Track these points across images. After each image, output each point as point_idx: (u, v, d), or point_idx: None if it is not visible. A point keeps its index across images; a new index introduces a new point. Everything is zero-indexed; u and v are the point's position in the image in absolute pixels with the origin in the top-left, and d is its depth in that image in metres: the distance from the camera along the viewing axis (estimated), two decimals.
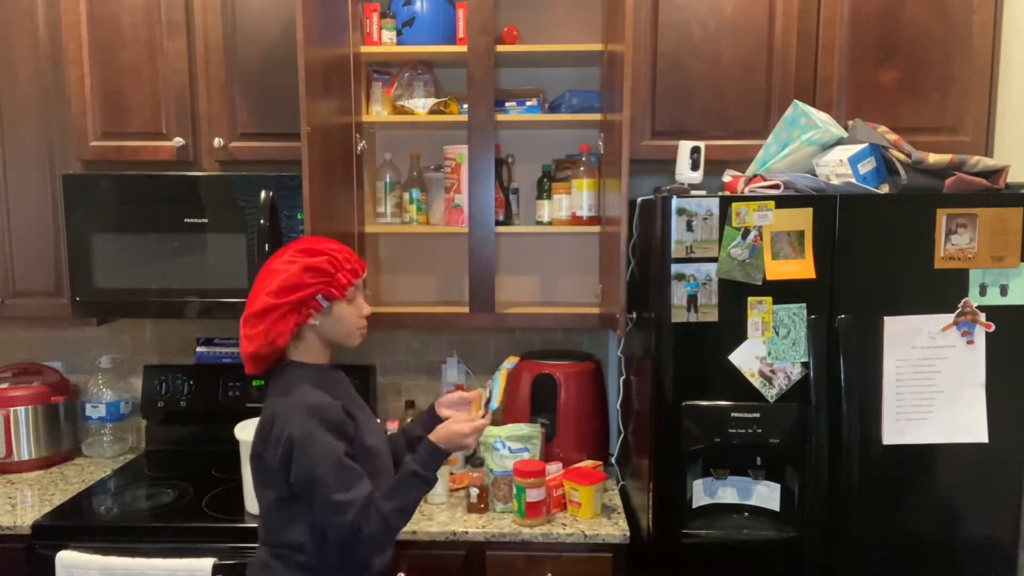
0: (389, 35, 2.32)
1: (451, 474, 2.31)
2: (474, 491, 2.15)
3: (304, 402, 1.52)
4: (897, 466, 1.86)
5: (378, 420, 2.17)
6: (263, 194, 2.22)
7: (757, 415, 1.85)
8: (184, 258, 2.27)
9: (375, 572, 1.63)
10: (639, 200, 2.10)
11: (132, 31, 2.27)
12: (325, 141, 2.05)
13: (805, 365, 1.83)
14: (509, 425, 2.30)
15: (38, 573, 2.03)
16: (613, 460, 2.49)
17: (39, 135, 2.33)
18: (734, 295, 1.83)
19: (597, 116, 2.32)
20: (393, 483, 1.54)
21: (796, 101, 1.98)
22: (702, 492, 1.94)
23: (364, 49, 2.32)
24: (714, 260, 1.82)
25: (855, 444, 1.83)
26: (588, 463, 2.25)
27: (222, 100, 2.28)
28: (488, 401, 1.83)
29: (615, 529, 2.06)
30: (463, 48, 2.25)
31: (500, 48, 2.27)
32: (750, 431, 1.85)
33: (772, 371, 1.84)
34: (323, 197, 2.04)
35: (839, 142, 1.93)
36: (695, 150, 2.01)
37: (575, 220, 2.39)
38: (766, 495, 1.92)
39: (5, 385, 2.54)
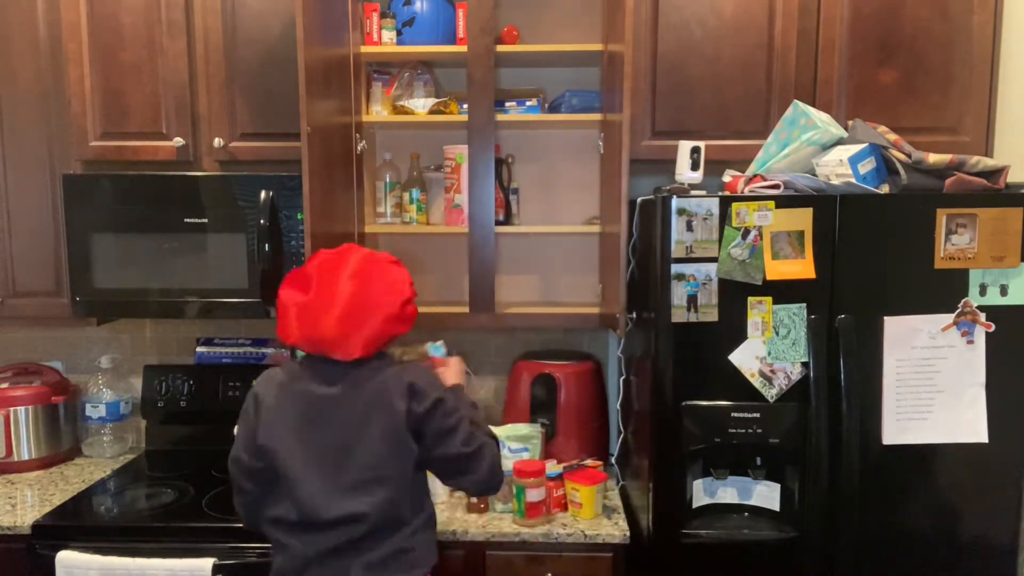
0: (389, 35, 2.32)
1: None
2: None
3: (422, 369, 1.74)
4: (897, 466, 1.86)
5: None
6: (263, 194, 2.22)
7: (757, 415, 1.85)
8: (184, 258, 2.27)
9: None
10: (639, 200, 2.10)
11: (132, 31, 2.27)
12: (325, 141, 2.05)
13: (805, 365, 1.83)
14: (509, 425, 2.30)
15: (38, 573, 2.03)
16: (613, 460, 2.49)
17: (39, 135, 2.33)
18: (734, 295, 1.83)
19: (597, 116, 2.32)
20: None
21: (796, 101, 1.98)
22: (702, 492, 1.94)
23: (364, 49, 2.32)
24: (714, 260, 1.82)
25: (855, 444, 1.83)
26: (588, 463, 2.25)
27: (222, 100, 2.28)
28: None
29: (615, 529, 2.06)
30: (463, 48, 2.25)
31: (500, 48, 2.27)
32: (750, 431, 1.85)
33: (772, 371, 1.84)
34: (323, 197, 2.04)
35: (839, 142, 1.93)
36: (695, 150, 2.01)
37: None
38: (766, 495, 1.92)
39: (5, 385, 2.54)
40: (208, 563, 1.97)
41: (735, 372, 1.84)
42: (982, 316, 1.83)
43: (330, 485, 1.61)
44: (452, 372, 1.86)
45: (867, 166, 1.85)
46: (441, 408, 1.64)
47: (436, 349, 2.02)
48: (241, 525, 2.07)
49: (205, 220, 2.26)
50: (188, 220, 2.26)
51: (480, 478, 1.67)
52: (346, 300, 1.60)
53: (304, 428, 1.64)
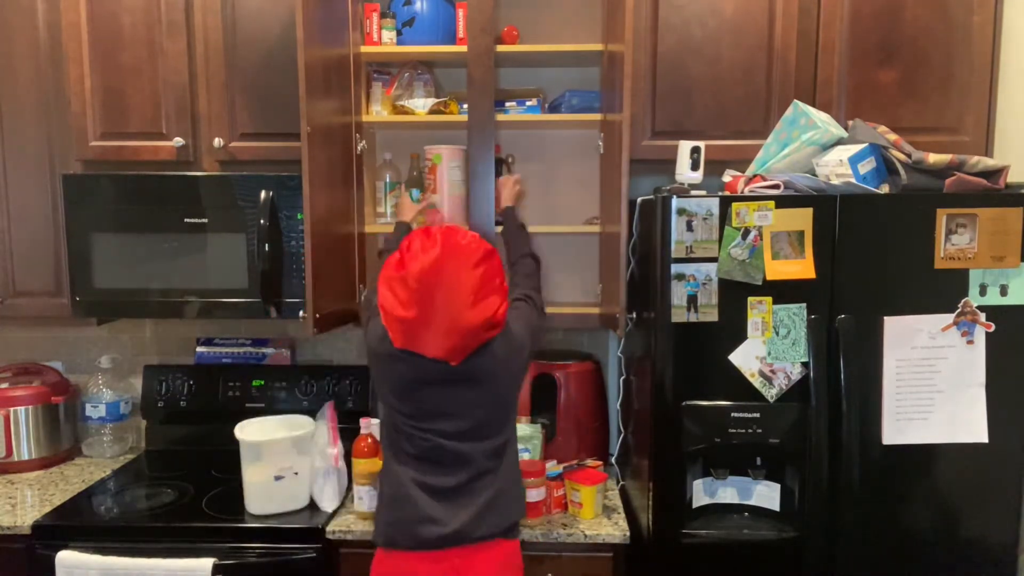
0: (389, 35, 2.32)
1: None
2: None
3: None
4: (897, 466, 1.86)
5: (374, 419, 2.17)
6: (263, 194, 2.22)
7: (757, 415, 1.85)
8: (184, 258, 2.27)
9: None
10: (639, 200, 2.10)
11: (132, 31, 2.27)
12: (325, 141, 2.06)
13: (805, 365, 1.83)
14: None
15: (38, 573, 2.03)
16: (613, 460, 2.49)
17: (39, 135, 2.33)
18: (734, 295, 1.83)
19: (597, 116, 2.32)
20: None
21: (796, 101, 1.98)
22: (702, 492, 1.94)
23: (364, 49, 2.32)
24: (714, 260, 1.82)
25: (855, 444, 1.83)
26: (589, 463, 2.25)
27: (222, 100, 2.28)
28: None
29: (615, 529, 2.06)
30: (463, 48, 2.25)
31: (500, 48, 2.27)
32: (750, 431, 1.85)
33: (772, 371, 1.84)
34: (323, 197, 2.04)
35: (839, 142, 1.93)
36: (695, 150, 2.01)
37: None
38: (766, 495, 1.92)
39: (5, 385, 2.54)
40: (208, 563, 1.97)
41: (735, 372, 1.84)
42: (982, 316, 1.83)
43: None
44: (507, 192, 2.24)
45: (867, 166, 1.85)
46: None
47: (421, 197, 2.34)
48: (241, 525, 2.08)
49: (205, 220, 2.26)
50: (188, 220, 2.26)
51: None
52: (441, 318, 1.62)
53: None
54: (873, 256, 1.83)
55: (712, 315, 1.83)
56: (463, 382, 1.70)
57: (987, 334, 1.83)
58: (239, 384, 2.58)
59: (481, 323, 1.62)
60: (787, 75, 2.18)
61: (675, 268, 1.83)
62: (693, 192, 1.87)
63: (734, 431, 1.86)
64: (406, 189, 2.44)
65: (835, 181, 1.86)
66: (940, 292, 1.83)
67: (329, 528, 2.05)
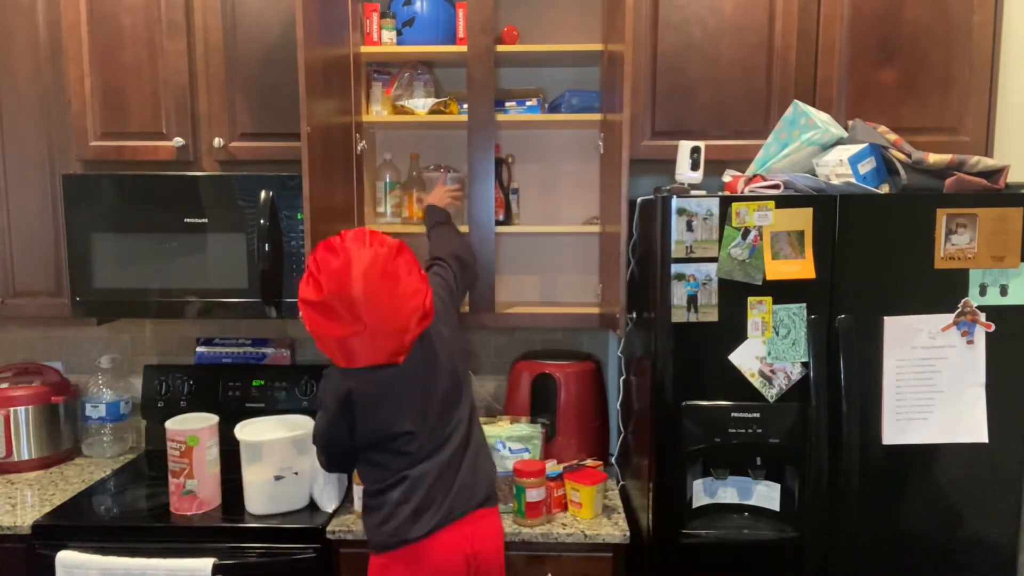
0: (389, 35, 2.32)
1: None
2: None
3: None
4: (897, 466, 1.86)
5: None
6: (263, 194, 2.22)
7: (757, 415, 1.85)
8: (184, 258, 2.27)
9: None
10: (639, 200, 2.10)
11: (132, 31, 2.27)
12: (325, 141, 2.05)
13: (805, 365, 1.83)
14: (509, 425, 2.30)
15: (38, 573, 2.03)
16: (613, 460, 2.49)
17: (39, 135, 2.33)
18: (734, 295, 1.83)
19: (597, 116, 2.32)
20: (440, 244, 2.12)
21: (796, 101, 1.98)
22: (702, 492, 1.94)
23: (364, 49, 2.32)
24: (714, 260, 1.82)
25: (855, 444, 1.83)
26: (588, 463, 2.25)
27: (222, 100, 2.28)
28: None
29: (615, 529, 2.06)
30: (463, 48, 2.25)
31: (500, 48, 2.27)
32: (750, 431, 1.85)
33: (772, 371, 1.84)
34: (323, 197, 2.04)
35: (839, 142, 1.93)
36: (695, 150, 2.01)
37: None
38: (766, 495, 1.92)
39: (5, 385, 2.54)
40: (208, 563, 1.97)
41: (735, 372, 1.84)
42: (982, 316, 1.83)
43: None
44: (437, 192, 2.29)
45: (867, 166, 1.85)
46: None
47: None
48: (241, 525, 2.08)
49: (205, 220, 2.26)
50: (188, 220, 2.26)
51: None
52: (372, 328, 1.65)
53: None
54: (873, 256, 1.83)
55: (712, 315, 1.83)
56: (413, 372, 1.77)
57: (987, 334, 1.83)
58: (239, 384, 2.58)
59: (413, 319, 1.68)
60: (787, 75, 2.18)
61: (675, 268, 1.83)
62: (693, 192, 1.87)
63: (734, 431, 1.85)
64: (405, 189, 2.44)
65: (835, 181, 1.86)
66: (940, 292, 1.83)
67: (329, 528, 2.05)
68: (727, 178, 2.03)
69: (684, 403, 1.86)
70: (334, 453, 1.86)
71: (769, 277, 1.82)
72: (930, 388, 1.84)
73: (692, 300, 1.83)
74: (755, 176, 1.92)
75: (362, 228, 1.74)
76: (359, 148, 2.30)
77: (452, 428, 1.84)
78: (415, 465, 1.78)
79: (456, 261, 2.06)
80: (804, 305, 1.83)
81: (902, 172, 1.85)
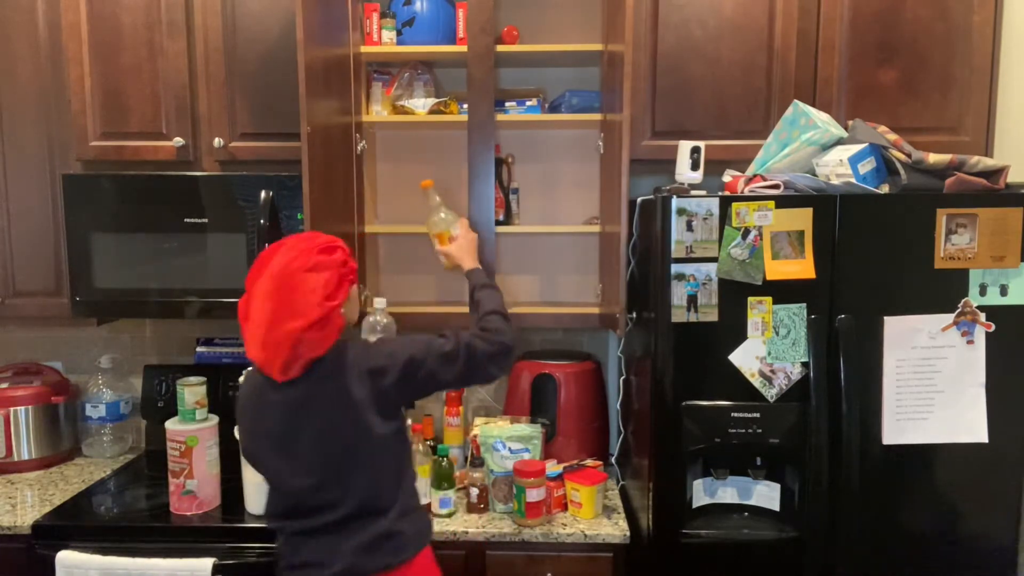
0: (389, 35, 2.32)
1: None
2: (474, 491, 2.15)
3: (374, 343, 1.69)
4: (897, 466, 1.86)
5: None
6: (263, 194, 2.22)
7: (757, 415, 1.85)
8: (184, 258, 2.27)
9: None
10: (639, 200, 2.10)
11: (132, 31, 2.27)
12: (325, 141, 2.05)
13: (805, 365, 1.83)
14: (509, 425, 2.30)
15: (38, 573, 2.03)
16: (613, 460, 2.50)
17: (39, 135, 2.34)
18: (734, 295, 1.83)
19: (597, 116, 2.32)
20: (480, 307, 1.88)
21: (796, 101, 1.98)
22: (702, 492, 1.94)
23: (364, 49, 2.32)
24: (714, 260, 1.82)
25: (855, 444, 1.83)
26: (588, 463, 2.25)
27: (222, 100, 2.28)
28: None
29: (615, 529, 2.06)
30: (463, 48, 2.25)
31: (500, 48, 2.27)
32: (750, 431, 1.85)
33: (772, 371, 1.84)
34: (323, 197, 2.04)
35: (839, 142, 1.93)
36: (695, 150, 2.01)
37: None
38: (766, 495, 1.92)
39: (5, 385, 2.54)
40: (208, 563, 1.97)
41: (735, 372, 1.84)
42: (982, 316, 1.83)
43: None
44: (466, 252, 2.09)
45: (867, 166, 1.85)
46: (412, 366, 1.61)
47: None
48: (241, 525, 2.08)
49: (205, 220, 2.26)
50: (188, 220, 2.26)
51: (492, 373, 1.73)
52: (266, 324, 1.55)
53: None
54: (873, 256, 1.83)
55: (712, 315, 1.83)
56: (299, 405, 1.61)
57: (987, 334, 1.83)
58: (239, 384, 2.58)
59: (287, 340, 1.53)
60: (787, 75, 2.18)
61: (675, 268, 1.83)
62: (693, 192, 1.87)
63: (734, 431, 1.86)
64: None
65: (835, 181, 1.86)
66: (940, 292, 1.83)
67: None
68: (727, 178, 2.03)
69: (684, 403, 1.86)
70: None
71: (769, 277, 1.82)
72: (930, 388, 1.84)
73: (692, 300, 1.83)
74: (755, 176, 1.92)
75: (314, 233, 1.67)
76: (359, 148, 2.30)
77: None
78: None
79: (473, 338, 1.72)
80: (804, 305, 1.83)
81: (902, 172, 1.85)
